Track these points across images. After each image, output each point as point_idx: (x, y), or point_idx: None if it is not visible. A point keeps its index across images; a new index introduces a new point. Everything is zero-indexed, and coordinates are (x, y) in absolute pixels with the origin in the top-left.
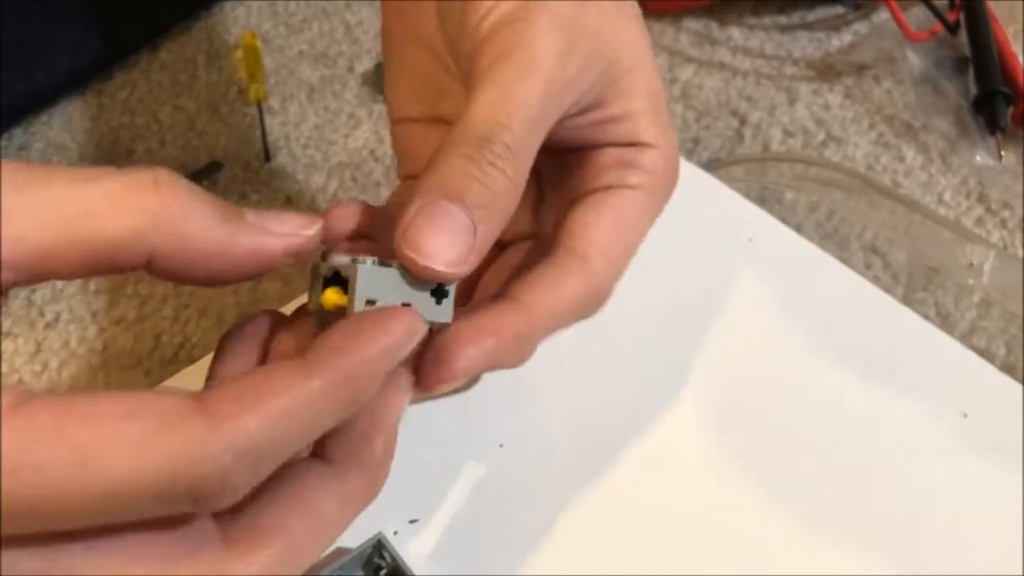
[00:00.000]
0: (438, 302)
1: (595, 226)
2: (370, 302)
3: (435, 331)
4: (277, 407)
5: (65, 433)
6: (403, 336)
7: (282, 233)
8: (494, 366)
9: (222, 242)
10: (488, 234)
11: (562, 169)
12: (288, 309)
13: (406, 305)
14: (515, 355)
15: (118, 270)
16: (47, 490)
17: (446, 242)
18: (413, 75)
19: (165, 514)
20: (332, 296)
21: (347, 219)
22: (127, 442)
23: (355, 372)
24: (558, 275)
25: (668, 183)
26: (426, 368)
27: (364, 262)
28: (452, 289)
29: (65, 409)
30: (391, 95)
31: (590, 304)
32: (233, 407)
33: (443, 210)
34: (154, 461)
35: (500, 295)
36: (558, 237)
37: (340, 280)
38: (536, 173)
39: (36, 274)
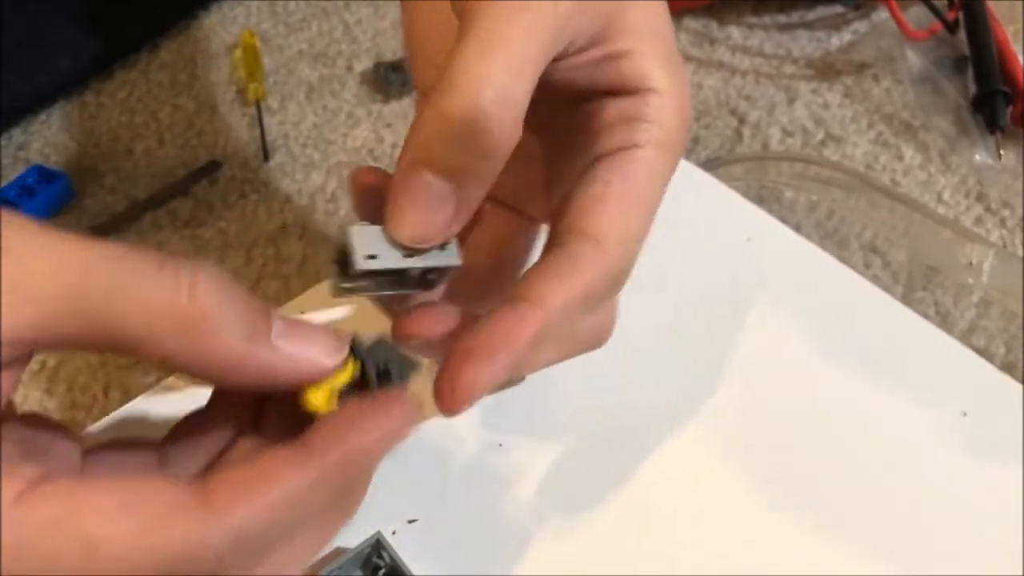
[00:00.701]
0: (442, 248)
1: (605, 201)
2: (371, 257)
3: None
4: (275, 496)
5: (72, 523)
6: (398, 425)
7: (303, 360)
8: (513, 374)
9: (240, 359)
10: (472, 198)
11: (564, 132)
12: (287, 309)
13: (408, 255)
14: (532, 359)
15: (130, 357)
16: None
17: (423, 217)
18: (434, 42)
19: None
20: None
21: (369, 176)
22: (130, 533)
23: (350, 461)
24: (571, 264)
25: (680, 135)
26: (443, 392)
27: (363, 225)
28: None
29: (71, 498)
30: (414, 65)
31: (608, 290)
32: (232, 497)
33: (420, 182)
34: (154, 551)
35: (512, 294)
36: (567, 219)
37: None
38: (537, 137)
39: (56, 351)
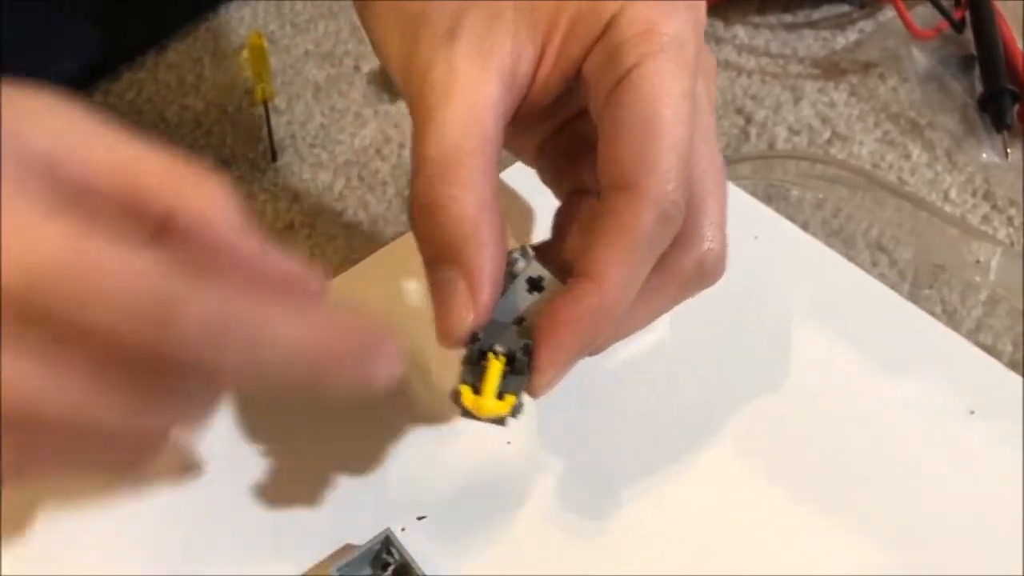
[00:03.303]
0: (538, 288)
1: (620, 143)
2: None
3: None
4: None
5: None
6: (356, 344)
7: (292, 267)
8: (588, 349)
9: (235, 234)
10: (483, 281)
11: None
12: None
13: (519, 321)
14: (602, 329)
15: (139, 218)
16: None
17: (448, 317)
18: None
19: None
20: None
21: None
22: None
23: (334, 329)
24: (613, 223)
25: (674, 26)
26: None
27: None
28: (535, 274)
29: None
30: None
31: (663, 227)
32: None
33: (438, 282)
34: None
35: (576, 270)
36: (600, 173)
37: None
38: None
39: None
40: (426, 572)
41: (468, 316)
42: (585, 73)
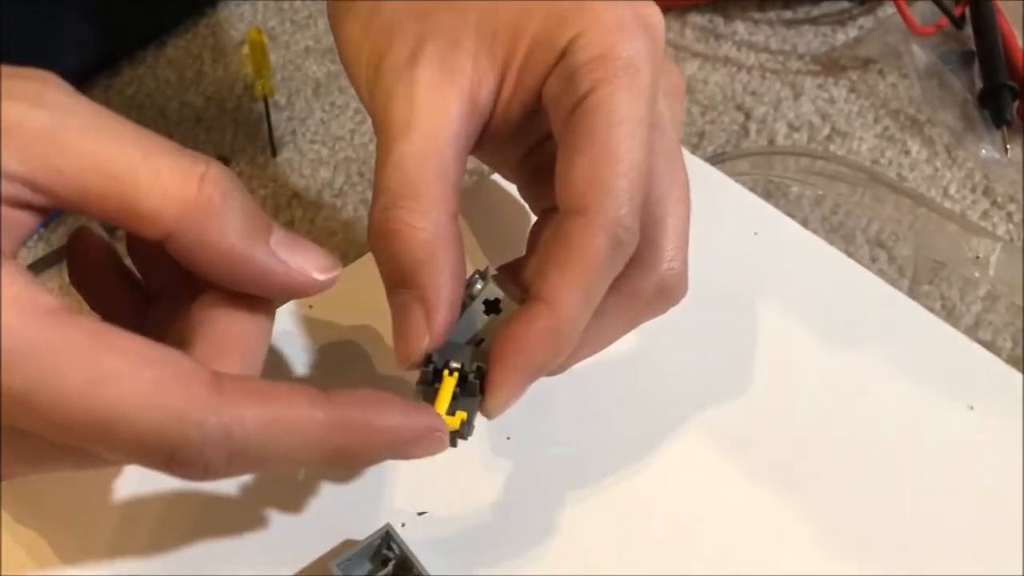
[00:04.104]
0: (496, 310)
1: (573, 170)
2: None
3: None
4: (276, 417)
5: (90, 351)
6: (413, 434)
7: (296, 269)
8: (542, 371)
9: (235, 253)
10: (432, 286)
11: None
12: (295, 304)
13: (477, 343)
14: (555, 352)
15: (137, 233)
16: (57, 396)
17: (404, 340)
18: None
19: (137, 461)
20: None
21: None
22: (140, 382)
23: (354, 431)
24: (565, 247)
25: (628, 51)
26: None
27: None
28: (492, 296)
29: (100, 333)
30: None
31: (615, 253)
32: (242, 396)
33: (398, 305)
34: (153, 408)
35: (531, 292)
36: (557, 196)
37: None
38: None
39: (67, 207)
40: (426, 568)
41: (424, 338)
42: (544, 98)
